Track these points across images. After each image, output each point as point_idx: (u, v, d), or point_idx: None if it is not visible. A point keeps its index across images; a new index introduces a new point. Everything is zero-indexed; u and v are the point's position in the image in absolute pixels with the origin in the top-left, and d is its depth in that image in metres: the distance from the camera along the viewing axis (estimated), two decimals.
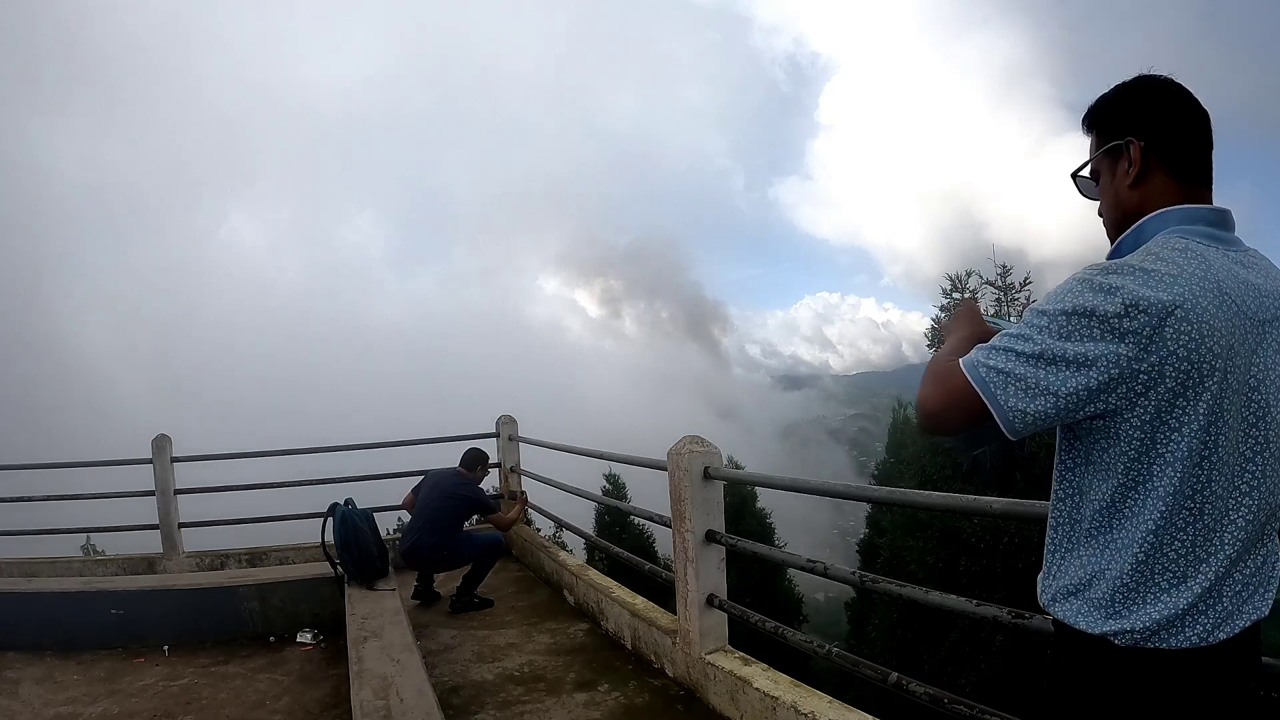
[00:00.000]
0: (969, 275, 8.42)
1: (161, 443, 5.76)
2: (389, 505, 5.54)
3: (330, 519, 4.28)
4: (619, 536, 13.10)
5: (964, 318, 1.23)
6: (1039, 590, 1.08)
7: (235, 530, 6.12)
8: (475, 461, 5.05)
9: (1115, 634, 0.95)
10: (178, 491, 5.81)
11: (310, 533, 4.74)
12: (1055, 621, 1.04)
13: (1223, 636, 0.94)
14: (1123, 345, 0.88)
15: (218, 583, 4.43)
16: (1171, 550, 0.94)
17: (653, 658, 3.57)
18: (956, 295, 8.44)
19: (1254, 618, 0.97)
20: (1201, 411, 0.90)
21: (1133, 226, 1.03)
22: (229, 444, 6.11)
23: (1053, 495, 1.07)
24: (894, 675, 2.28)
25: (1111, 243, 1.08)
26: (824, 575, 2.69)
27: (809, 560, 2.78)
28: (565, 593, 4.74)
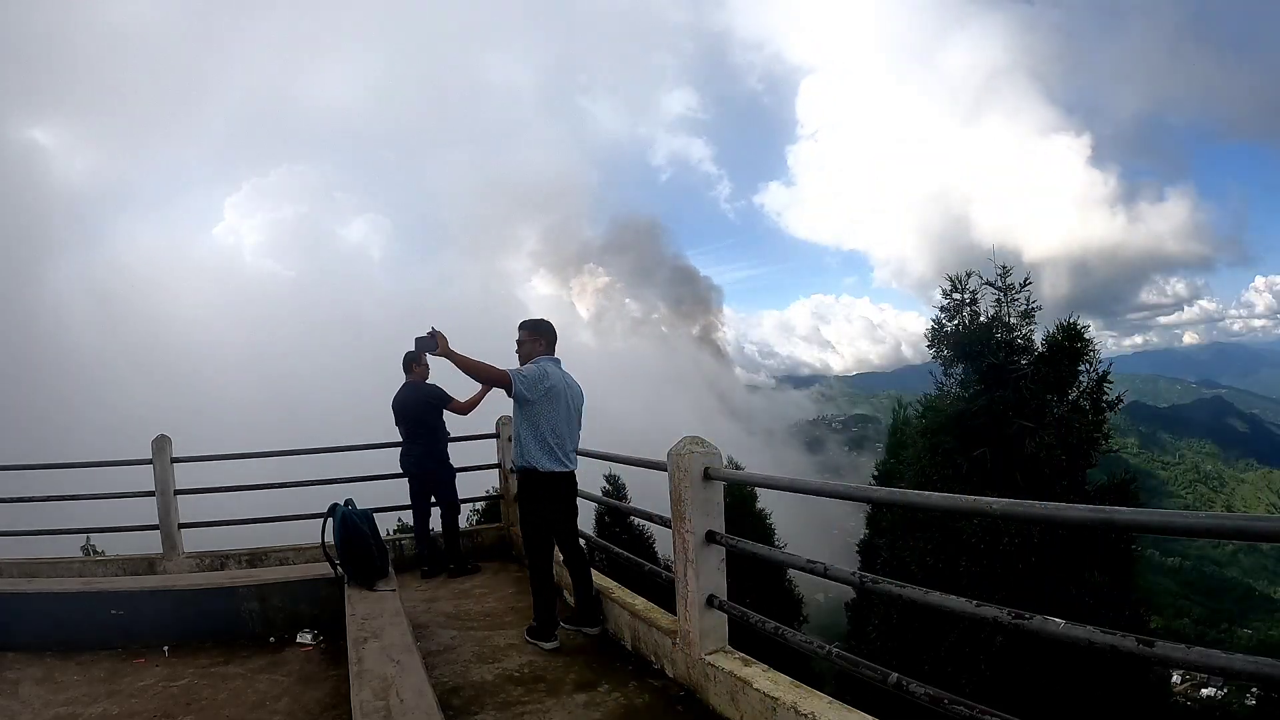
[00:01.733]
0: (969, 276, 8.39)
1: (161, 443, 5.76)
2: (389, 506, 5.52)
3: (330, 519, 4.28)
4: (619, 537, 13.07)
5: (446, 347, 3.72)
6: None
7: (235, 531, 6.11)
8: (411, 361, 5.56)
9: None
10: (178, 492, 5.82)
11: (310, 533, 4.74)
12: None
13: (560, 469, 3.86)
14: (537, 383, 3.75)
15: (218, 583, 4.43)
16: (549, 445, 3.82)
17: (653, 658, 3.57)
18: (957, 296, 8.41)
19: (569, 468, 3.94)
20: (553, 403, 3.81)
21: (533, 360, 3.88)
22: (228, 444, 6.11)
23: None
24: (894, 676, 2.28)
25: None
26: (824, 576, 2.69)
27: (809, 561, 2.78)
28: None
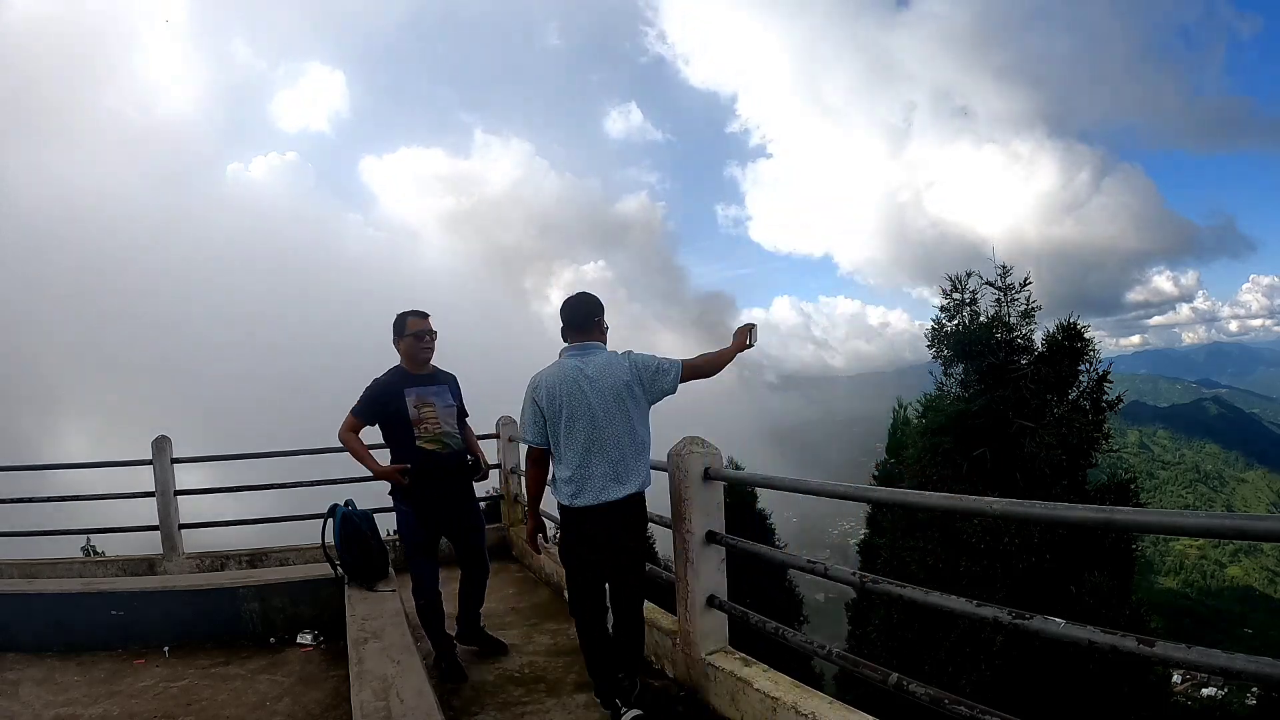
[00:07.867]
0: (969, 276, 8.39)
1: (161, 444, 5.76)
2: (389, 507, 5.50)
3: (330, 520, 4.28)
4: None
5: None
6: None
7: (235, 531, 6.11)
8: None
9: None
10: (178, 493, 5.81)
11: (310, 534, 4.74)
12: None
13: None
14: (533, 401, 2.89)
15: (218, 584, 4.43)
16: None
17: (653, 659, 3.57)
18: (956, 296, 8.42)
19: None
20: (563, 420, 2.83)
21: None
22: (228, 445, 6.13)
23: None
24: (894, 676, 2.28)
25: None
26: (824, 576, 2.69)
27: (809, 560, 2.78)
28: (566, 594, 4.73)
